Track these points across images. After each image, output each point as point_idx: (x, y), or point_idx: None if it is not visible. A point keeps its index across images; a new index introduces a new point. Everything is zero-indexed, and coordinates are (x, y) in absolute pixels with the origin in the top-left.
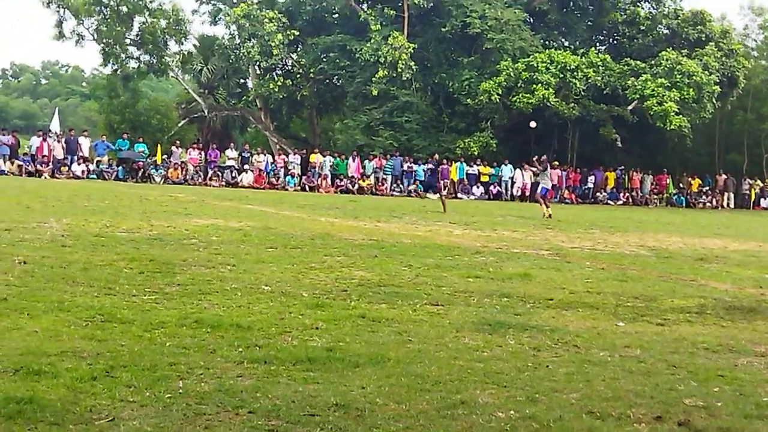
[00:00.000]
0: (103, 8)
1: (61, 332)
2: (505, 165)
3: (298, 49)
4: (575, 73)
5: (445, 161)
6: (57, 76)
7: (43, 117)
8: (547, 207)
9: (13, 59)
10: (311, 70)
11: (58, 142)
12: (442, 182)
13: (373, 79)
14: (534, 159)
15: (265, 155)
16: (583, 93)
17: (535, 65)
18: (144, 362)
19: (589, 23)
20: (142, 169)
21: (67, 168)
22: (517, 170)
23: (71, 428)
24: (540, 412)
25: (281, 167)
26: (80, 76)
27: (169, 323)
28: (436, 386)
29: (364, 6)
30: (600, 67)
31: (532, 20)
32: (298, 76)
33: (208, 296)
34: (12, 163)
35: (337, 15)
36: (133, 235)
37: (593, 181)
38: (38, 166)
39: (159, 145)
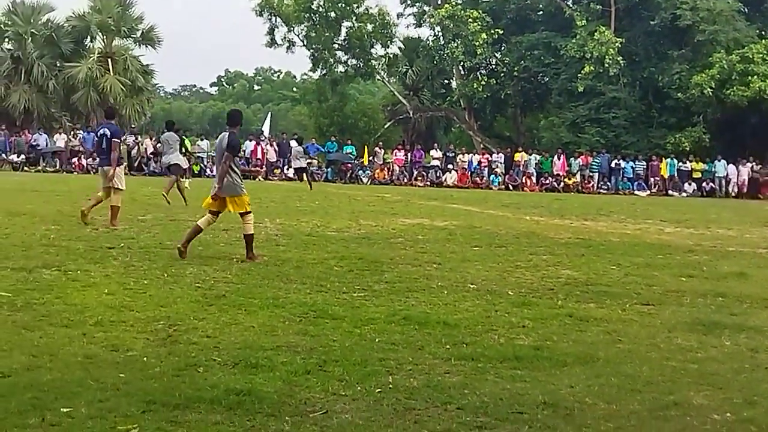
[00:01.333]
0: (312, 15)
1: (276, 327)
2: (719, 161)
3: (502, 48)
4: None
5: (654, 158)
6: (269, 82)
7: (256, 122)
8: None
9: (227, 67)
10: (515, 69)
11: (271, 145)
12: None
13: (579, 75)
14: None
15: (469, 155)
16: None
17: (751, 56)
18: (355, 357)
19: None
20: (350, 171)
21: (279, 170)
22: (732, 166)
23: (287, 420)
24: (759, 415)
25: (485, 166)
26: (291, 81)
27: (378, 320)
28: (648, 387)
29: (570, 2)
30: None
31: (746, 10)
32: (502, 74)
33: (415, 294)
34: None
35: (541, 12)
36: (342, 234)
37: None
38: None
39: (366, 147)
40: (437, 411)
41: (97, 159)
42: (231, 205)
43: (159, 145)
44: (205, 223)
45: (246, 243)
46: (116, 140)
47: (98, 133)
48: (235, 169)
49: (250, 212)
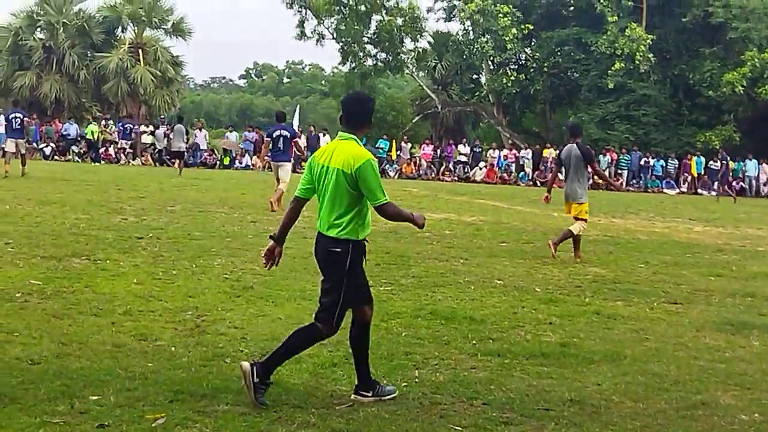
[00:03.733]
0: (342, 8)
1: (303, 320)
2: (749, 160)
3: (532, 43)
4: None
5: (685, 156)
6: (298, 75)
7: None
8: None
9: (257, 59)
10: (545, 64)
11: (299, 138)
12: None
13: (609, 71)
14: None
15: (497, 150)
16: None
17: None
18: (381, 351)
19: None
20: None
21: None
22: (764, 165)
23: (314, 412)
24: None
25: (513, 162)
26: (320, 74)
27: (405, 314)
28: (675, 386)
29: None
30: None
31: None
32: (532, 70)
33: (442, 288)
34: (258, 157)
35: (572, 8)
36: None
37: None
38: None
39: (394, 141)
40: (463, 406)
41: (272, 155)
42: (571, 208)
43: (171, 133)
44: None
45: (563, 234)
46: (296, 139)
47: (274, 134)
48: (582, 178)
49: (586, 219)
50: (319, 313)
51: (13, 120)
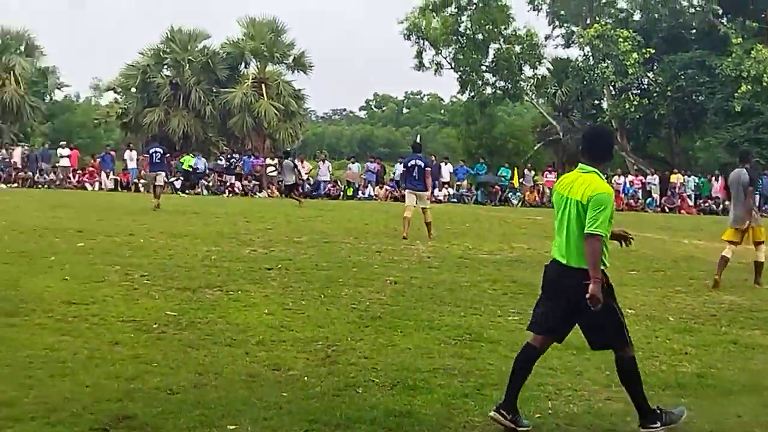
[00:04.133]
0: (459, 37)
1: (431, 350)
2: None
3: (654, 67)
4: None
5: None
6: (417, 105)
7: (405, 144)
8: None
9: (376, 90)
10: (668, 88)
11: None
12: None
13: (736, 94)
14: None
15: (623, 176)
16: None
17: None
18: None
19: None
20: (499, 193)
21: (429, 192)
22: None
23: None
24: None
25: (639, 188)
26: (438, 104)
27: None
28: None
29: (724, 20)
30: None
31: None
32: (655, 94)
33: None
34: (381, 188)
35: (694, 30)
36: (494, 257)
37: None
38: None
39: (516, 169)
40: None
41: (408, 184)
42: (753, 232)
43: (280, 168)
44: (729, 253)
45: (756, 270)
46: (428, 169)
47: (408, 164)
48: (752, 201)
49: (764, 242)
50: (605, 346)
51: (154, 154)
